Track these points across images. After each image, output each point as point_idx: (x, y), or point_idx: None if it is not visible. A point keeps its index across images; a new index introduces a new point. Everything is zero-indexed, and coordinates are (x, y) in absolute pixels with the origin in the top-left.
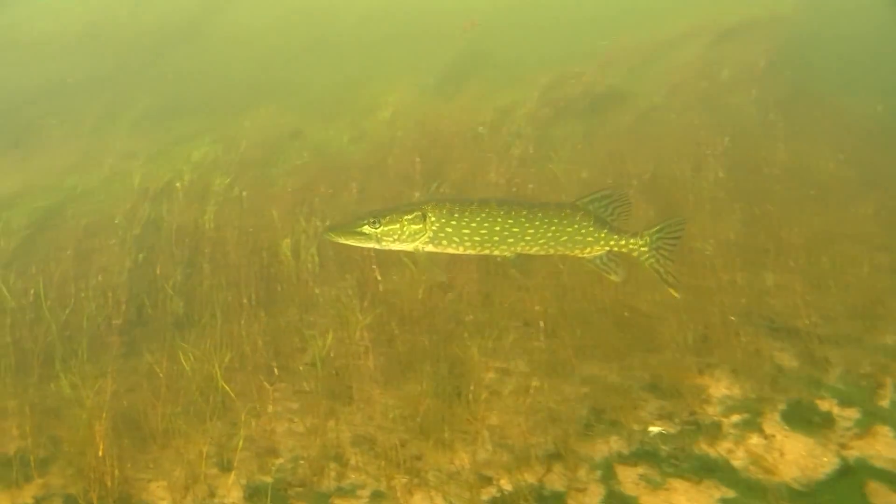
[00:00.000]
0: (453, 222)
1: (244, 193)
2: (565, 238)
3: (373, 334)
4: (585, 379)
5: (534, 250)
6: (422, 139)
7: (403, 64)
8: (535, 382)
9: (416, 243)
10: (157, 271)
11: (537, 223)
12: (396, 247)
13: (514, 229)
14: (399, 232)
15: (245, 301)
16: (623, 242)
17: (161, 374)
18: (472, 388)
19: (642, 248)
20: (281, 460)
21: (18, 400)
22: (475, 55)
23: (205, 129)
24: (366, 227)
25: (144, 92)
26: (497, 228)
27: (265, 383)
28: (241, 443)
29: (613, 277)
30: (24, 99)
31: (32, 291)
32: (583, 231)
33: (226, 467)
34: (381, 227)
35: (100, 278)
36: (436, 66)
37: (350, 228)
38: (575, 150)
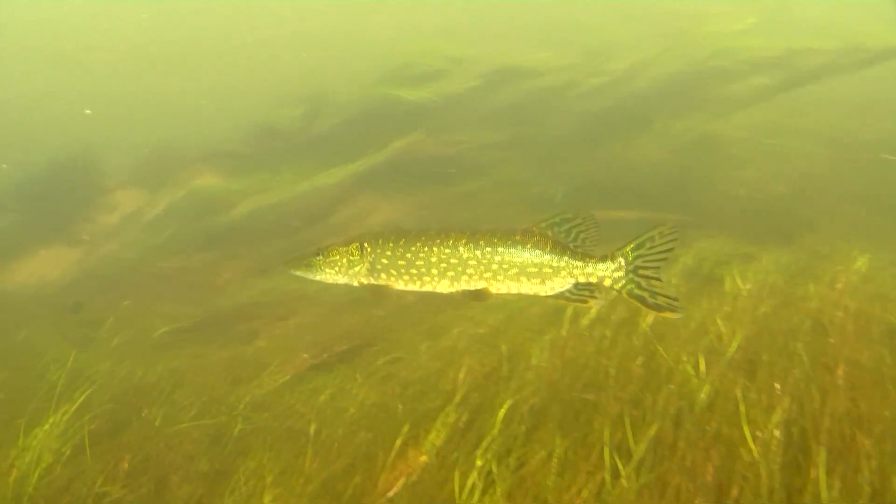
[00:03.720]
0: (388, 252)
1: None
2: (515, 271)
3: None
4: None
5: (479, 286)
6: None
7: None
8: None
9: (357, 276)
10: None
11: (478, 253)
12: (342, 280)
13: (453, 260)
14: (340, 263)
15: None
16: (590, 270)
17: None
18: None
19: (616, 274)
20: None
21: None
22: None
23: None
24: (313, 259)
25: None
26: (433, 259)
27: None
28: None
29: (591, 304)
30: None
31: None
32: (537, 262)
33: None
34: (325, 258)
35: None
36: None
37: (301, 260)
38: None
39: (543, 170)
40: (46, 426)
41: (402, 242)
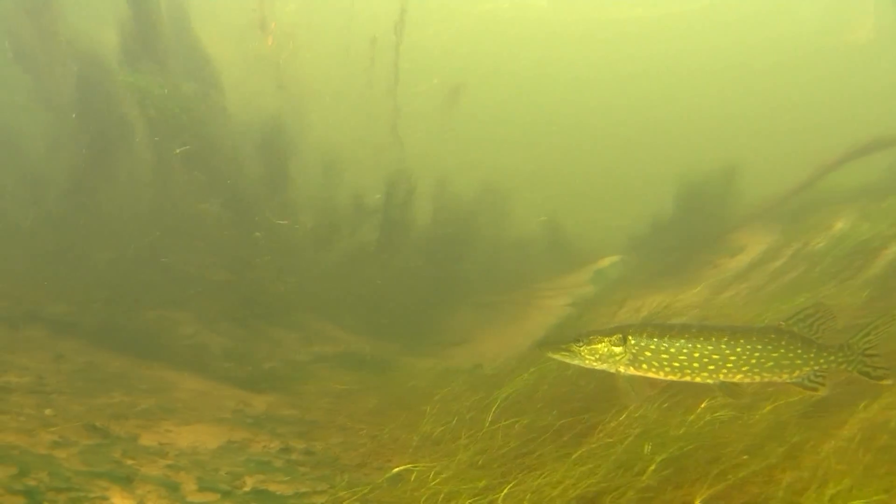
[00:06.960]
0: (652, 346)
1: None
2: (771, 364)
3: None
4: None
5: (737, 378)
6: None
7: None
8: None
9: (617, 365)
10: None
11: (738, 350)
12: (598, 366)
13: (714, 356)
14: (601, 352)
15: None
16: (833, 358)
17: None
18: None
19: (851, 358)
20: None
21: None
22: None
23: None
24: (573, 345)
25: None
26: (696, 355)
27: None
28: None
29: (821, 392)
30: None
31: None
32: (790, 355)
33: None
34: (586, 346)
35: None
36: None
37: (560, 346)
38: None
39: None
40: None
41: (665, 338)
